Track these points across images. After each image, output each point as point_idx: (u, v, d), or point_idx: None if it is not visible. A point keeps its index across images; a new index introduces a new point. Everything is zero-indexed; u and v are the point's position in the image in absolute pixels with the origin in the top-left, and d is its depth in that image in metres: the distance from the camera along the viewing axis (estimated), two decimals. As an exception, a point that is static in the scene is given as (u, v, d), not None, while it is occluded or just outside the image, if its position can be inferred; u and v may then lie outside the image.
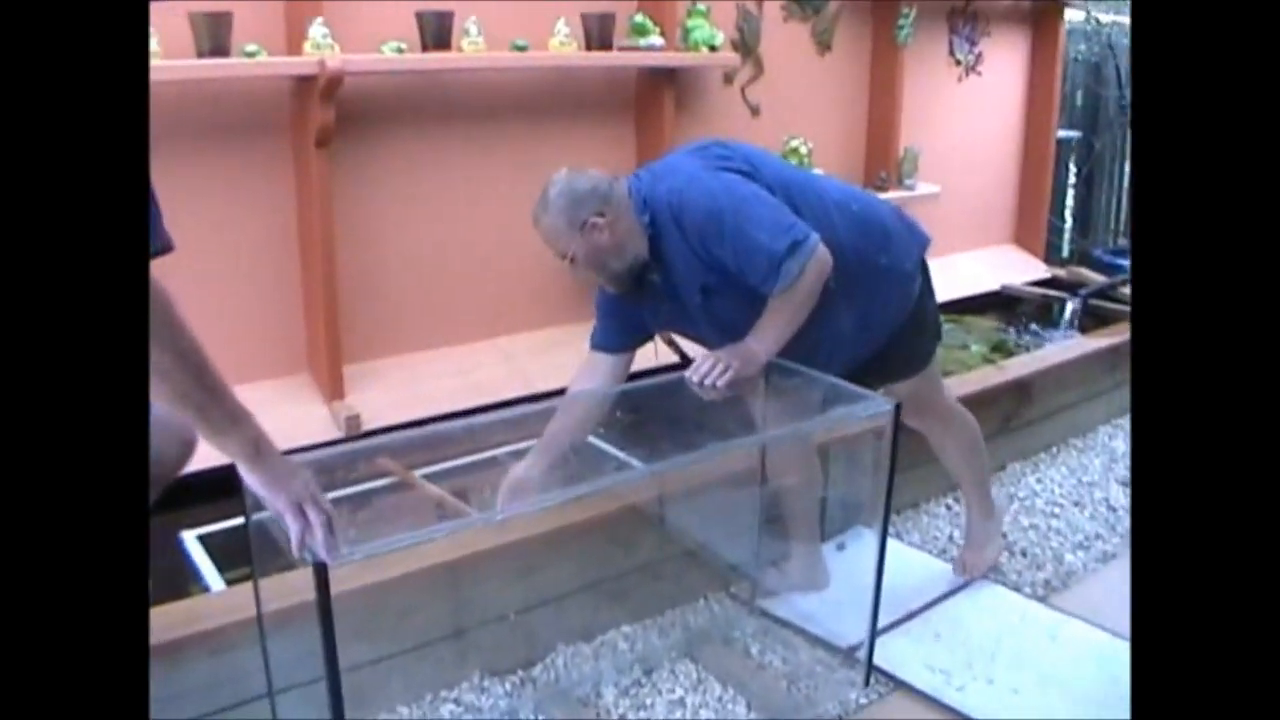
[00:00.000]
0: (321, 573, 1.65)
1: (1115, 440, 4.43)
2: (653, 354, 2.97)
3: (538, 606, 2.78)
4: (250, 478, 1.63)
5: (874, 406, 2.42)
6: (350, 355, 3.45)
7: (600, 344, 2.81)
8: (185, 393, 1.48)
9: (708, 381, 2.48)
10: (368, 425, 3.32)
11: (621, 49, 3.76)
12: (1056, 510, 3.74)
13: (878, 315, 2.69)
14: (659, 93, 3.90)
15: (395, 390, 3.50)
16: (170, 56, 2.88)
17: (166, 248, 1.51)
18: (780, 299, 2.47)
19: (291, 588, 2.23)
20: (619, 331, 2.78)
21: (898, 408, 2.42)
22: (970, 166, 5.45)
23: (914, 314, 2.75)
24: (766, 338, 2.53)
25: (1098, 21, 6.44)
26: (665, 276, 2.57)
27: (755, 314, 2.52)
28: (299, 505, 1.65)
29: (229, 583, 2.79)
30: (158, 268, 1.44)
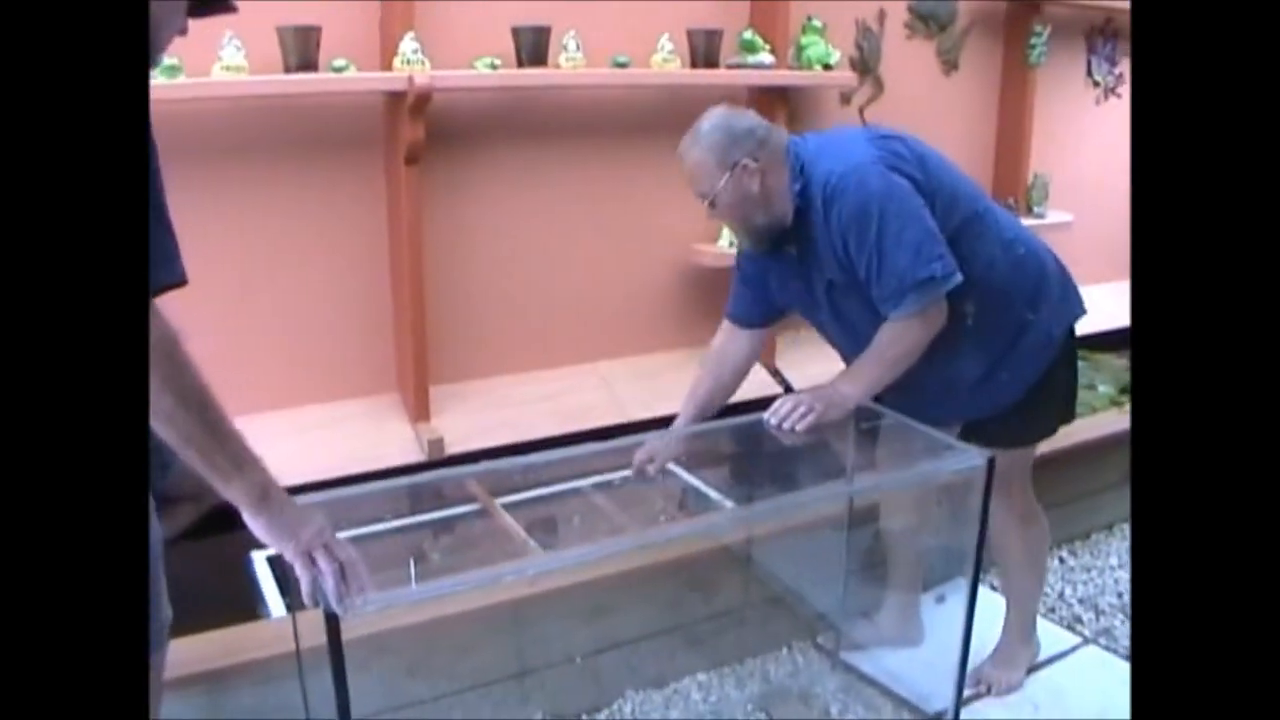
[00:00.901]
0: (333, 623, 1.55)
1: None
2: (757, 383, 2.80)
3: (608, 649, 2.66)
4: (255, 525, 1.53)
5: (965, 460, 2.23)
6: (439, 376, 3.38)
7: (736, 315, 2.65)
8: (188, 436, 1.38)
9: (786, 425, 2.32)
10: (452, 449, 3.24)
11: (729, 66, 3.61)
12: (1181, 569, 3.47)
13: (1003, 374, 2.45)
14: (771, 112, 3.73)
15: (483, 413, 3.42)
16: (257, 71, 2.85)
17: (178, 282, 1.42)
18: (885, 340, 2.30)
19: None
20: (756, 303, 2.62)
21: (991, 461, 2.22)
22: (1105, 193, 5.14)
23: (1043, 384, 2.49)
24: (859, 381, 2.36)
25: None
26: (801, 254, 2.39)
27: (877, 324, 2.34)
28: (308, 553, 1.55)
29: (291, 608, 2.73)
30: (178, 300, 1.38)
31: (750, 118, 2.35)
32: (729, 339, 2.65)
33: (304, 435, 3.15)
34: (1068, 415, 2.65)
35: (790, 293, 2.53)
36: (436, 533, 2.94)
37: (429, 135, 3.06)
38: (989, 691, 2.77)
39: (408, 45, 2.98)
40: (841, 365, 2.55)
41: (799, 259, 2.40)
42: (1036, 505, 2.75)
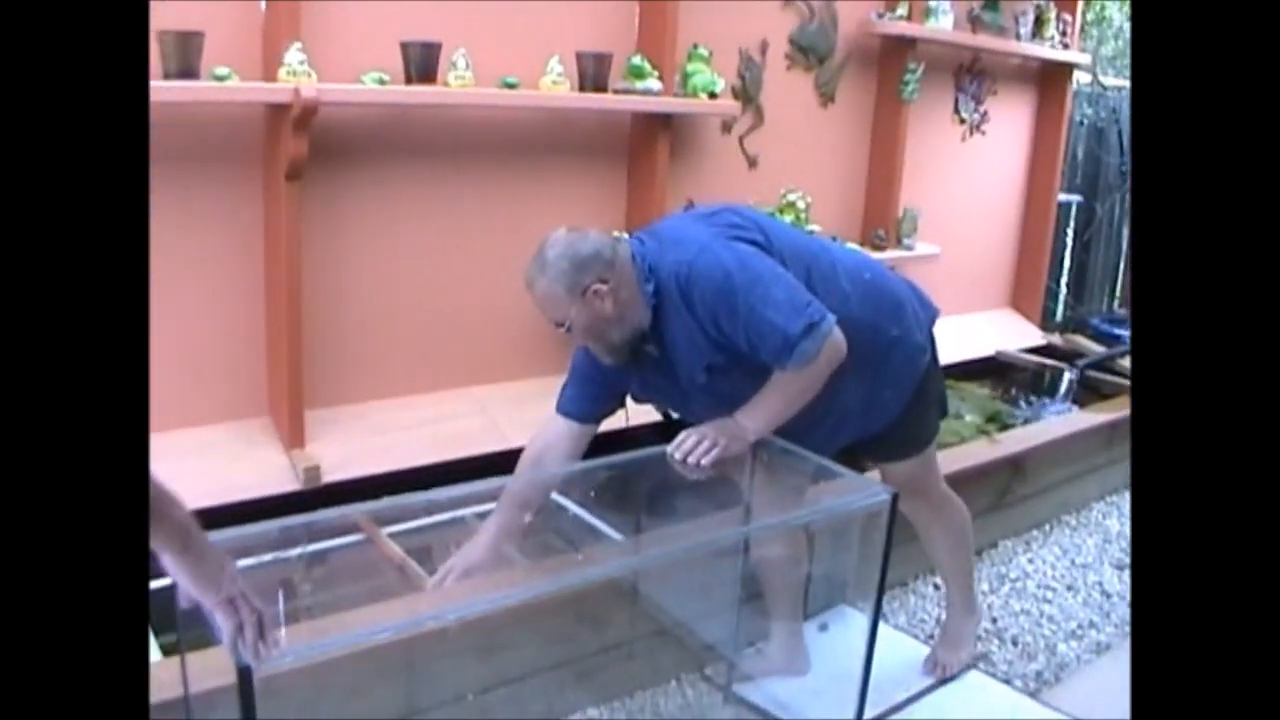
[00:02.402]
0: (246, 677, 1.46)
1: (1109, 519, 4.29)
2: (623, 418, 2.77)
3: (498, 686, 2.59)
4: (178, 571, 1.43)
5: (870, 495, 2.24)
6: (314, 400, 3.26)
7: (568, 410, 2.58)
8: None
9: (691, 459, 2.30)
10: (329, 477, 3.12)
11: (617, 91, 3.59)
12: (1049, 595, 3.59)
13: (885, 392, 2.52)
14: (654, 138, 3.74)
15: (360, 439, 3.31)
16: (134, 77, 2.69)
17: None
18: (785, 378, 2.30)
19: (224, 666, 2.03)
20: (593, 400, 2.56)
21: (895, 497, 2.24)
22: (970, 227, 5.31)
23: (920, 391, 2.58)
24: (759, 416, 2.36)
25: (1104, 86, 6.33)
26: (664, 351, 2.37)
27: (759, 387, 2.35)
28: (230, 600, 1.46)
29: (164, 649, 2.57)
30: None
31: (594, 239, 2.30)
32: (557, 435, 2.58)
33: (173, 462, 2.96)
34: (943, 412, 2.77)
35: (654, 389, 2.52)
36: (321, 566, 2.83)
37: (310, 150, 2.95)
38: (944, 674, 2.92)
39: (294, 56, 2.87)
40: None
41: (662, 357, 2.38)
42: (948, 490, 2.88)
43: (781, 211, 4.14)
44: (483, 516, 2.89)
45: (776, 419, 2.36)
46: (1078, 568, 3.82)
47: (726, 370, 2.34)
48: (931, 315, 2.62)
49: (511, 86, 3.32)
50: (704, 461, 2.30)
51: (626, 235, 2.47)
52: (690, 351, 2.33)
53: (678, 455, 2.32)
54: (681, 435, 2.35)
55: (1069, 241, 6.57)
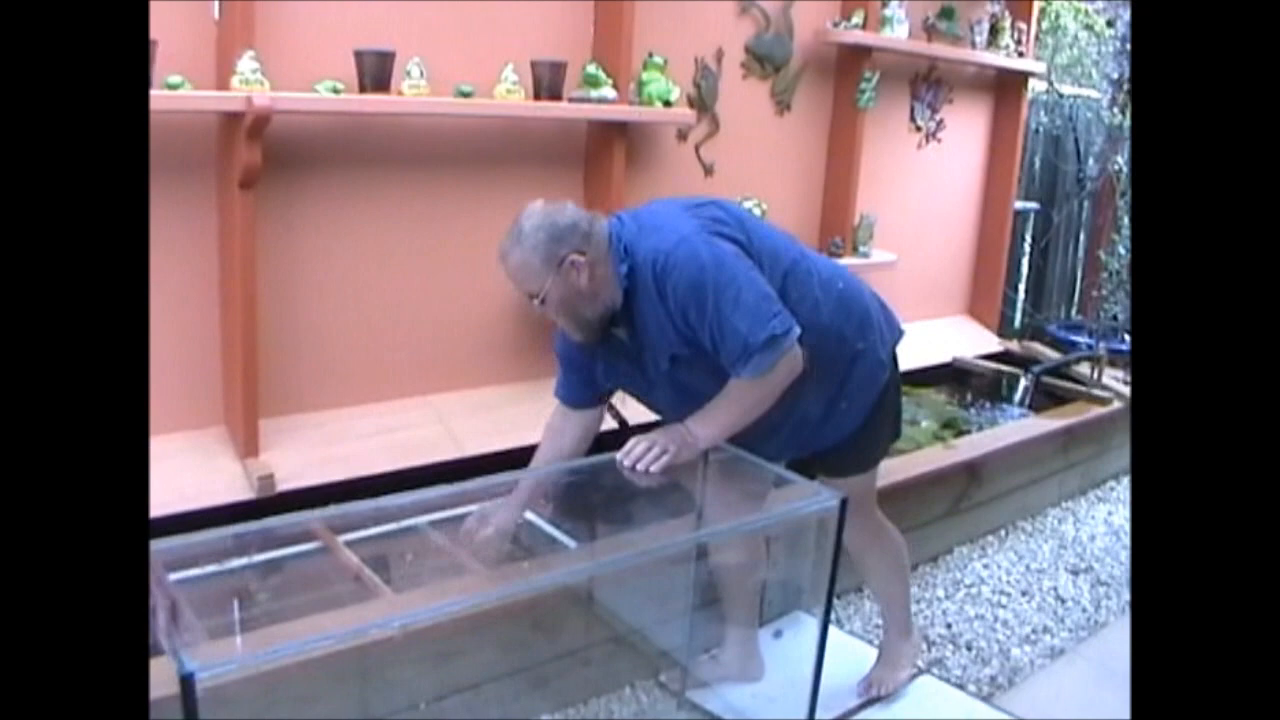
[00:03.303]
0: (189, 685, 1.45)
1: (1065, 524, 4.33)
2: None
3: (451, 694, 2.59)
4: None
5: (820, 501, 2.27)
6: (270, 409, 3.24)
7: (564, 397, 2.62)
8: None
9: (640, 466, 2.31)
10: (283, 485, 3.11)
11: (572, 100, 3.60)
12: (1003, 600, 3.62)
13: (844, 404, 2.53)
14: (610, 147, 3.74)
15: (315, 448, 3.29)
16: (83, 86, 2.68)
17: None
18: (740, 388, 2.31)
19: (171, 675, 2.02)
20: (583, 384, 2.59)
21: (844, 502, 2.26)
22: (926, 234, 5.35)
23: (877, 407, 2.59)
24: (712, 425, 2.37)
25: (1060, 94, 6.39)
26: (633, 335, 2.37)
27: (720, 389, 2.36)
28: None
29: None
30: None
31: (572, 211, 2.31)
32: (564, 420, 2.63)
33: (123, 470, 2.97)
34: (896, 434, 2.75)
35: (619, 374, 2.53)
36: (278, 574, 2.82)
37: (264, 159, 2.94)
38: (880, 693, 2.89)
39: (247, 65, 2.86)
40: None
41: (630, 341, 2.39)
42: (884, 519, 2.87)
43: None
44: (437, 524, 2.90)
45: (729, 428, 2.38)
46: (1032, 573, 3.85)
47: (690, 362, 2.34)
48: (896, 335, 2.63)
49: (466, 95, 3.32)
50: (653, 469, 2.31)
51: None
52: (658, 338, 2.33)
53: (626, 462, 2.34)
54: (631, 442, 2.37)
55: (1027, 249, 6.62)
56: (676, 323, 2.29)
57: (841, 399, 2.51)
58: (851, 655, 3.06)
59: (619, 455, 2.35)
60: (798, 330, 2.27)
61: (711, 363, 2.32)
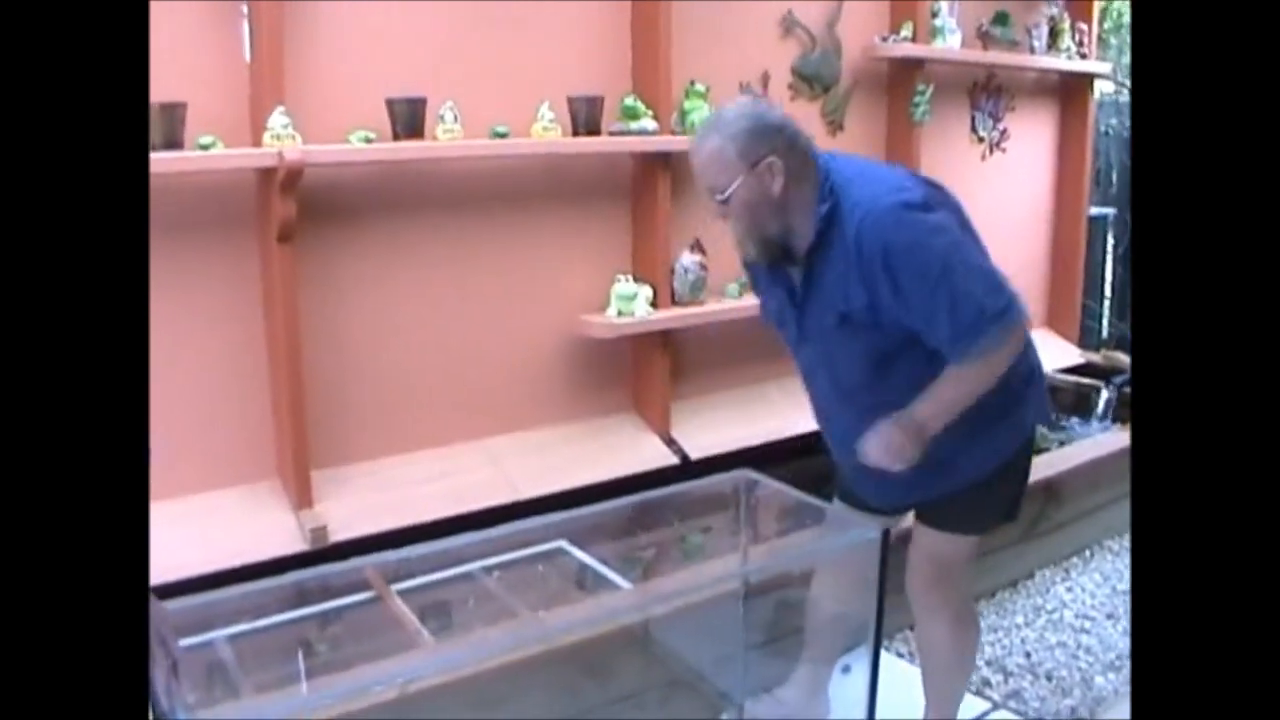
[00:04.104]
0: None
1: (1155, 540, 4.13)
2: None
3: (501, 742, 2.53)
4: None
5: (858, 535, 2.16)
6: (322, 460, 3.24)
7: (768, 320, 2.45)
8: None
9: (885, 465, 2.16)
10: (336, 536, 3.10)
11: (612, 133, 3.56)
12: (1087, 625, 3.46)
13: (980, 450, 2.31)
14: (654, 179, 3.70)
15: (368, 496, 3.28)
16: (115, 151, 2.72)
17: None
18: (969, 364, 2.10)
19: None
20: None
21: (886, 533, 2.15)
22: (998, 247, 5.09)
23: (1007, 467, 2.37)
24: (936, 405, 2.15)
25: (1129, 94, 6.20)
26: (806, 280, 2.18)
27: (867, 369, 2.20)
28: None
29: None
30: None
31: (781, 114, 2.14)
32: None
33: (180, 528, 2.98)
34: (1012, 514, 2.49)
35: (772, 312, 2.37)
36: (326, 625, 2.81)
37: (302, 211, 2.96)
38: None
39: (277, 120, 2.88)
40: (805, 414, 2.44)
41: (805, 284, 2.21)
42: (973, 605, 2.64)
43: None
44: (491, 570, 2.87)
45: (955, 410, 2.16)
46: (1119, 595, 3.68)
47: (855, 331, 2.16)
48: (1044, 415, 2.45)
49: (502, 136, 3.31)
50: (895, 468, 2.15)
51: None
52: (833, 292, 2.15)
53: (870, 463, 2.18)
54: (867, 443, 2.18)
55: (1107, 256, 6.41)
56: (867, 281, 2.08)
57: (983, 439, 2.29)
58: (916, 685, 2.94)
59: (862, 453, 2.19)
60: (1023, 306, 2.12)
61: (875, 340, 2.15)
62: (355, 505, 3.23)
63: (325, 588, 2.56)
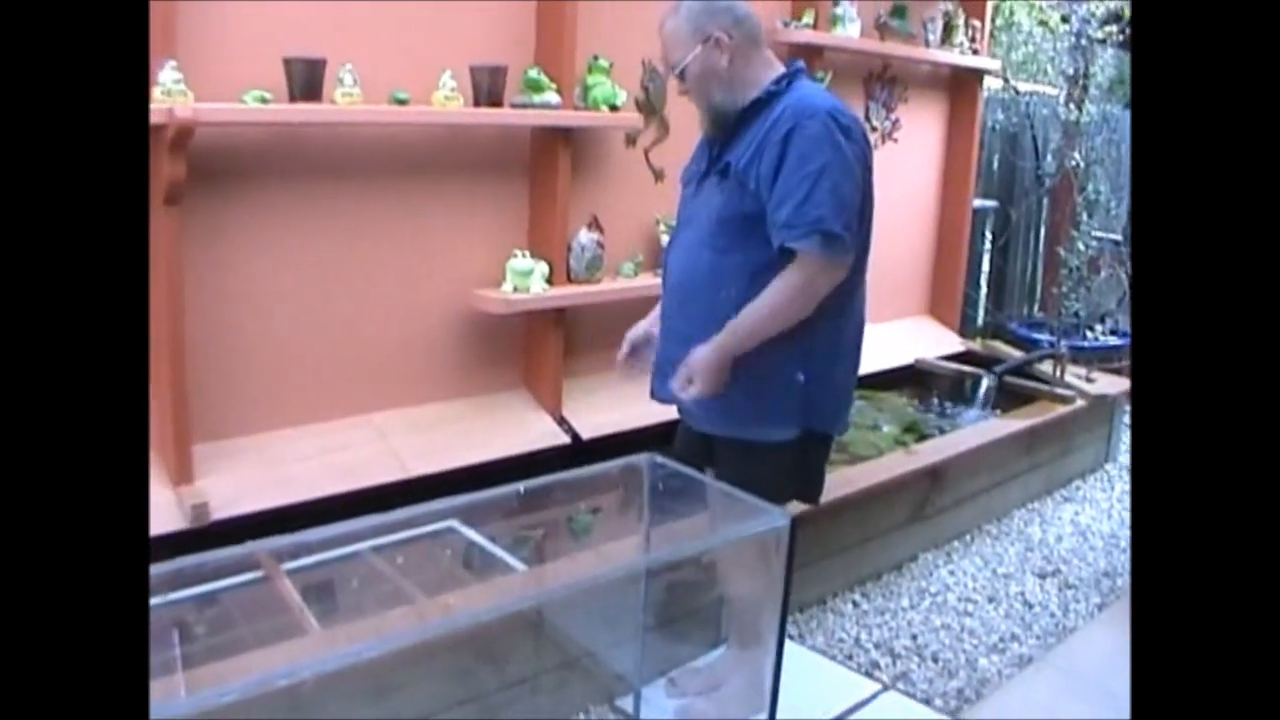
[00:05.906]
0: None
1: (1031, 526, 4.26)
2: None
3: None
4: None
5: (767, 521, 2.16)
6: (202, 433, 3.11)
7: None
8: None
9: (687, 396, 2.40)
10: (218, 513, 2.98)
11: (514, 105, 3.49)
12: (970, 607, 3.53)
13: (747, 405, 2.48)
14: (554, 153, 3.64)
15: (252, 472, 3.16)
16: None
17: None
18: (776, 288, 2.31)
19: None
20: None
21: (794, 522, 2.16)
22: (885, 235, 5.18)
23: (770, 452, 2.53)
24: (742, 328, 2.36)
25: (1016, 90, 6.34)
26: (726, 142, 2.44)
27: (718, 231, 2.41)
28: None
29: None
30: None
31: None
32: None
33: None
34: (815, 496, 2.66)
35: (687, 170, 2.62)
36: (206, 607, 2.70)
37: (191, 173, 2.82)
38: None
39: (168, 75, 2.73)
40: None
41: (724, 145, 2.44)
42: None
43: (691, 224, 4.07)
44: (380, 550, 2.80)
45: (751, 336, 2.35)
46: (999, 578, 3.77)
47: (729, 185, 2.39)
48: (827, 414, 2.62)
49: (402, 102, 3.21)
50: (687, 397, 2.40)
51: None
52: (736, 151, 2.38)
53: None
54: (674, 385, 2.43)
55: (986, 247, 6.57)
56: (762, 149, 2.31)
57: (753, 396, 2.45)
58: (812, 671, 2.98)
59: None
60: (852, 257, 2.35)
61: (734, 200, 2.37)
62: (238, 481, 3.11)
63: (209, 568, 2.47)
